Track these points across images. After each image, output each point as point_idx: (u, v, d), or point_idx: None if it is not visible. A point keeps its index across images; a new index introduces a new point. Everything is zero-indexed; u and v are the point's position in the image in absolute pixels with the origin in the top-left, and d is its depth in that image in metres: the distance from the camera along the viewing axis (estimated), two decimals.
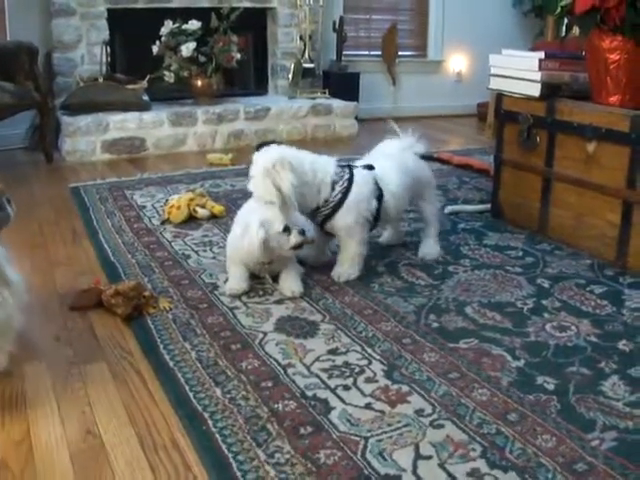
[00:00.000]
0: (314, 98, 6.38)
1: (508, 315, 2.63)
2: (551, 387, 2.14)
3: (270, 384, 2.13)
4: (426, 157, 5.20)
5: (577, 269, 3.10)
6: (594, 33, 3.20)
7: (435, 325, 2.54)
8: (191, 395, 2.07)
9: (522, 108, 3.54)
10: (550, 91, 3.43)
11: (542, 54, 3.41)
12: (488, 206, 3.90)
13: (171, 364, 2.25)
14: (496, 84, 3.68)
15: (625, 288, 2.91)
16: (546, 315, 2.64)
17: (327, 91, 6.58)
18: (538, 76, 3.39)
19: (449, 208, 3.92)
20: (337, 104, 6.36)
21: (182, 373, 2.19)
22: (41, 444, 1.88)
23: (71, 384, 2.17)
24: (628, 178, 3.04)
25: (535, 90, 3.42)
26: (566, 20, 3.42)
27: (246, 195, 2.92)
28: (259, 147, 2.92)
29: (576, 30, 3.60)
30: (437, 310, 2.66)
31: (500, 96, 3.71)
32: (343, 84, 6.75)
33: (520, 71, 3.49)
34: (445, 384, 2.14)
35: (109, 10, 5.71)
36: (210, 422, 1.93)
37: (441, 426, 1.93)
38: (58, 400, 2.08)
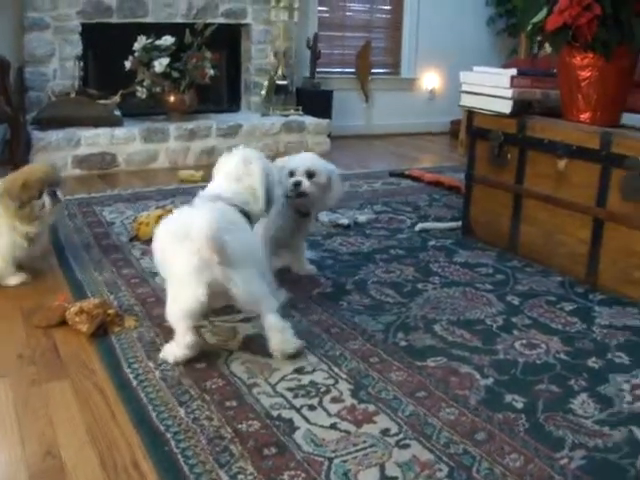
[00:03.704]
0: (287, 115, 6.37)
1: (477, 333, 2.61)
2: (520, 405, 2.12)
3: (235, 404, 2.09)
4: (397, 174, 5.24)
5: (547, 286, 3.10)
6: (565, 50, 3.22)
7: (403, 343, 2.51)
8: (154, 415, 2.03)
9: (493, 125, 3.54)
10: (521, 108, 3.44)
11: (514, 71, 3.41)
12: (459, 223, 3.89)
13: (134, 383, 2.21)
14: (467, 101, 3.67)
15: (595, 305, 2.91)
16: (516, 332, 2.63)
17: (300, 108, 6.56)
18: (509, 93, 3.39)
19: (419, 226, 3.91)
20: (310, 121, 6.35)
21: (145, 392, 2.15)
22: (0, 465, 1.83)
23: (32, 403, 2.12)
24: (598, 195, 3.04)
25: (506, 107, 3.42)
26: (538, 37, 3.42)
27: None
28: None
29: (548, 47, 3.61)
30: (405, 328, 2.63)
31: (471, 113, 3.71)
32: (316, 101, 6.74)
33: (491, 88, 3.49)
34: (412, 403, 2.11)
35: (83, 25, 5.67)
36: (172, 442, 1.90)
37: (407, 446, 1.90)
38: (19, 419, 2.03)
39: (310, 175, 2.95)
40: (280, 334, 2.35)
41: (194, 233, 2.21)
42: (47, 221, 3.08)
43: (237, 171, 2.62)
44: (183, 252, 2.24)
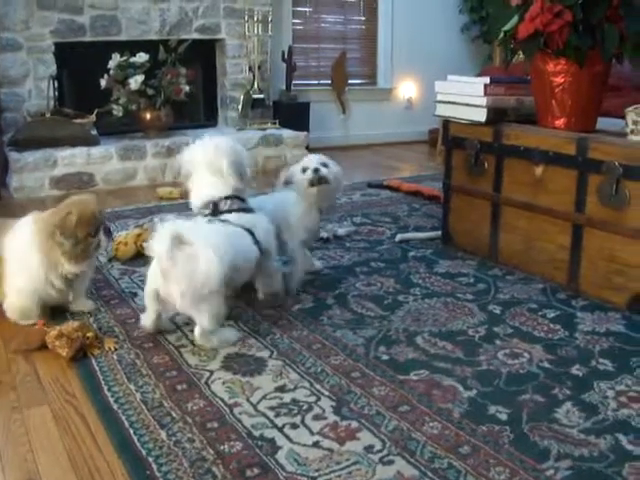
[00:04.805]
0: (264, 129, 6.36)
1: (459, 344, 2.60)
2: (504, 417, 2.10)
3: (216, 425, 2.07)
4: (376, 185, 5.23)
5: (529, 294, 3.09)
6: (538, 57, 3.21)
7: (385, 357, 2.49)
8: (135, 438, 2.00)
9: (469, 134, 3.53)
10: (496, 116, 3.43)
11: (487, 79, 3.41)
12: (439, 233, 3.88)
13: (115, 407, 2.18)
14: (442, 110, 3.67)
15: (578, 311, 2.90)
16: (498, 342, 2.61)
17: (277, 121, 6.56)
18: (484, 101, 3.39)
19: (399, 236, 3.89)
20: (287, 134, 6.34)
21: (126, 416, 2.12)
22: None
23: (13, 430, 2.10)
24: (576, 201, 3.04)
25: (481, 115, 3.41)
26: (511, 45, 3.41)
27: None
28: None
29: (521, 54, 3.61)
30: (387, 341, 2.62)
31: (447, 122, 3.70)
32: (293, 114, 6.74)
33: (466, 97, 3.48)
34: (395, 418, 2.09)
35: (56, 44, 5.65)
36: (154, 466, 1.87)
37: (391, 462, 1.88)
38: None
39: (324, 166, 3.11)
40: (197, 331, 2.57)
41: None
42: (93, 262, 2.92)
43: (215, 161, 2.89)
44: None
